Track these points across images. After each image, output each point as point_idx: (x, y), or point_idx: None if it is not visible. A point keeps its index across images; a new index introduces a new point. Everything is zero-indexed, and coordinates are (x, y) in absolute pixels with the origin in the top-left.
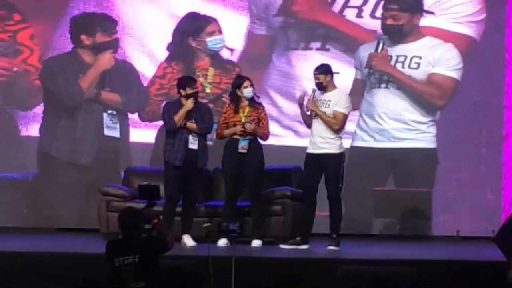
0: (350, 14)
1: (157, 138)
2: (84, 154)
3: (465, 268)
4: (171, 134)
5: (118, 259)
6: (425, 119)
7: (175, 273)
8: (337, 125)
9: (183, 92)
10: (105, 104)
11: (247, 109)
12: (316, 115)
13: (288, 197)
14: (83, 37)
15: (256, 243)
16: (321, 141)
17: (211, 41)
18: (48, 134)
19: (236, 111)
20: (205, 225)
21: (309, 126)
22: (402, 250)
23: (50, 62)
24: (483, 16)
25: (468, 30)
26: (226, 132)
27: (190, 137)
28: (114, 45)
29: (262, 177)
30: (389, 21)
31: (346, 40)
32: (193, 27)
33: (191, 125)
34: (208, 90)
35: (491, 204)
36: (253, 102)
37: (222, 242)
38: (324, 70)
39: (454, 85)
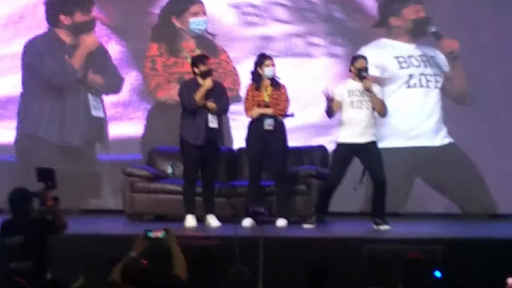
0: None
1: (147, 119)
2: (76, 135)
3: (494, 247)
4: (190, 113)
5: (8, 238)
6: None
7: (201, 254)
8: (385, 110)
9: (196, 70)
10: (89, 86)
11: (270, 88)
12: (369, 94)
13: (313, 176)
14: (62, 17)
15: (281, 222)
16: (369, 131)
17: (195, 22)
18: (33, 116)
19: (257, 89)
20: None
21: (331, 115)
22: (427, 229)
23: (35, 43)
24: None
25: None
26: (254, 112)
27: (210, 116)
28: (92, 24)
29: (287, 156)
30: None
31: None
32: (177, 7)
33: (211, 104)
34: None
35: None
36: (275, 82)
37: (247, 222)
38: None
39: None
